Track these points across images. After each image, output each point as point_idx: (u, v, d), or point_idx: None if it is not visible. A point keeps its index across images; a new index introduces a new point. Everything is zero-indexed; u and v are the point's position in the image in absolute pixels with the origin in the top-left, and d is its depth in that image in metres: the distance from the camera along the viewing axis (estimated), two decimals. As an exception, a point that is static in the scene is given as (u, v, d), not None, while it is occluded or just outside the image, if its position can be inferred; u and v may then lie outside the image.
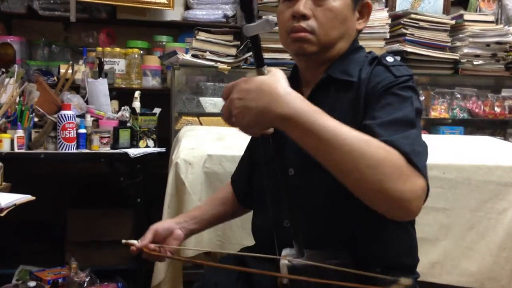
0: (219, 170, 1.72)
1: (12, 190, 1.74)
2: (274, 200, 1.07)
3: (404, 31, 2.73)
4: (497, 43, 2.85)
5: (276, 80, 0.85)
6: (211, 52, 2.58)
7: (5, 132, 2.10)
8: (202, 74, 2.85)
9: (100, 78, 2.42)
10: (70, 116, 2.13)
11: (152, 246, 1.18)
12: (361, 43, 1.18)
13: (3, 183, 1.77)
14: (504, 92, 3.07)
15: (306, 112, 0.84)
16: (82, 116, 2.24)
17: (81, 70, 2.56)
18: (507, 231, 1.75)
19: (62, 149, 2.13)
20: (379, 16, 2.69)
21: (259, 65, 0.86)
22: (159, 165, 2.29)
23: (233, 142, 1.74)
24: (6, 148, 2.06)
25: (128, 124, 2.31)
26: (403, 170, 0.86)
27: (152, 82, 2.89)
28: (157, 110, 2.39)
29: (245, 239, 1.49)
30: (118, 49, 2.88)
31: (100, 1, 2.88)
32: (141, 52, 2.94)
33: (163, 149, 2.30)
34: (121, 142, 2.24)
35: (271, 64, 2.52)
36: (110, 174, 2.30)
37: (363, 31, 1.19)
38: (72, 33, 3.11)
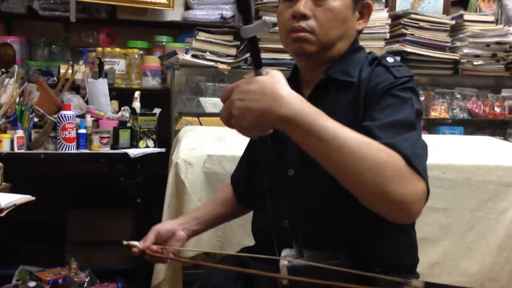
0: (219, 170, 1.72)
1: (12, 190, 1.74)
2: (274, 201, 1.07)
3: (404, 31, 2.73)
4: (497, 43, 2.85)
5: (277, 81, 0.85)
6: (211, 52, 2.58)
7: (5, 132, 2.09)
8: (202, 74, 2.85)
9: (100, 78, 2.42)
10: (70, 116, 2.12)
11: (155, 247, 1.17)
12: (361, 43, 1.18)
13: (3, 183, 1.77)
14: (504, 92, 3.08)
15: (308, 114, 0.84)
16: (82, 116, 2.24)
17: (81, 70, 2.56)
18: (507, 231, 1.75)
19: (62, 149, 2.13)
20: (379, 16, 2.69)
21: (257, 66, 0.86)
22: (159, 165, 2.29)
23: (233, 142, 1.74)
24: (6, 148, 2.06)
25: (128, 124, 2.30)
26: (403, 173, 0.86)
27: (152, 82, 2.89)
28: (157, 110, 2.39)
29: (245, 240, 1.49)
30: (118, 49, 2.87)
31: (100, 1, 2.88)
32: (141, 52, 2.94)
33: (163, 149, 2.30)
34: (121, 142, 2.24)
35: (271, 64, 2.52)
36: (110, 174, 2.30)
37: (363, 31, 1.19)
38: (72, 33, 3.11)
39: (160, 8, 3.01)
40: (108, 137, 2.22)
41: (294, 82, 1.17)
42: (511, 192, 1.76)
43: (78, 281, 2.17)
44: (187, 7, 3.12)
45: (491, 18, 2.96)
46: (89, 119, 2.23)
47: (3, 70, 2.36)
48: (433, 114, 2.97)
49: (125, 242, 1.16)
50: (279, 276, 0.94)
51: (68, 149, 2.13)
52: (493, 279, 1.75)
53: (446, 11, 3.08)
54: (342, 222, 1.05)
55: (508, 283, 1.75)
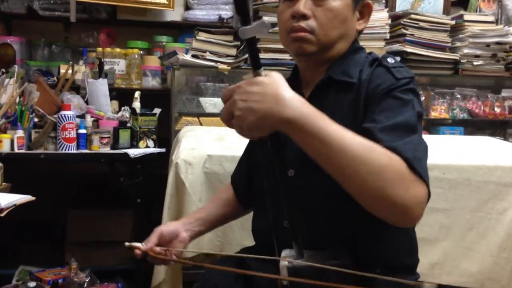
0: (219, 171, 1.72)
1: (12, 190, 1.74)
2: (274, 201, 1.07)
3: (404, 31, 2.73)
4: (497, 43, 2.85)
5: (279, 83, 0.85)
6: (211, 53, 2.58)
7: (5, 132, 2.10)
8: (202, 74, 2.85)
9: (100, 79, 2.42)
10: (70, 117, 2.12)
11: (158, 249, 1.16)
12: (361, 43, 1.18)
13: (3, 183, 1.77)
14: (504, 93, 3.08)
15: (310, 116, 0.84)
16: (82, 116, 2.24)
17: (81, 71, 2.56)
18: (507, 231, 1.75)
19: (62, 150, 2.13)
20: (379, 17, 2.69)
21: (256, 67, 0.86)
22: (159, 165, 2.29)
23: (233, 143, 1.74)
24: (6, 148, 2.06)
25: (128, 125, 2.30)
26: (405, 177, 0.86)
27: (152, 82, 2.89)
28: (157, 111, 2.39)
29: (245, 240, 1.49)
30: (118, 50, 2.88)
31: (100, 1, 2.89)
32: (141, 52, 2.95)
33: (163, 150, 2.30)
34: (121, 143, 2.24)
35: (271, 64, 2.52)
36: (110, 174, 2.30)
37: (363, 32, 1.19)
38: (72, 33, 3.11)
39: (160, 8, 3.01)
40: (108, 137, 2.22)
41: (294, 82, 1.16)
42: (511, 192, 1.76)
43: (78, 281, 2.17)
44: (187, 7, 3.12)
45: (491, 18, 2.95)
46: (89, 119, 2.23)
47: (3, 70, 2.36)
48: (433, 114, 2.97)
49: (127, 244, 1.14)
50: (279, 278, 0.94)
51: (68, 149, 2.13)
52: (493, 279, 1.75)
53: (446, 11, 3.08)
54: (342, 222, 1.05)
55: (509, 283, 1.75)
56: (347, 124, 0.88)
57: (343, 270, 0.88)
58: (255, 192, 1.25)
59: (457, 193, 1.75)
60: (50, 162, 2.42)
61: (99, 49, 2.83)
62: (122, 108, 2.38)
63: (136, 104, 2.39)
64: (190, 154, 1.74)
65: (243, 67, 2.62)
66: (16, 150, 2.07)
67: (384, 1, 2.99)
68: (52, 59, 2.97)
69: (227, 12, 3.05)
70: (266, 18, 2.49)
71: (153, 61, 2.93)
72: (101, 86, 2.40)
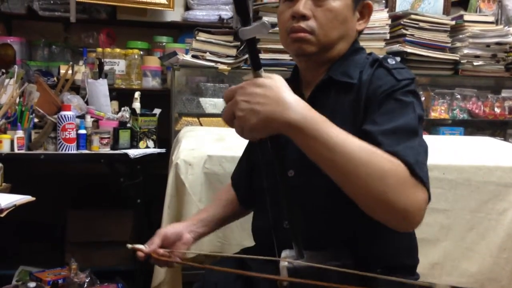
0: (219, 171, 1.72)
1: (12, 190, 1.74)
2: (274, 201, 1.07)
3: (404, 31, 2.73)
4: (497, 43, 2.85)
5: (281, 86, 0.86)
6: (211, 53, 2.58)
7: (5, 132, 2.10)
8: (202, 74, 2.84)
9: (100, 79, 2.42)
10: (70, 117, 2.13)
11: (161, 251, 1.14)
12: (361, 43, 1.18)
13: (3, 183, 1.77)
14: (504, 93, 3.07)
15: (313, 120, 0.85)
16: (82, 116, 2.24)
17: (81, 71, 2.57)
18: (507, 231, 1.75)
19: (62, 150, 2.13)
20: (379, 17, 2.69)
21: (256, 67, 0.86)
22: (159, 165, 2.29)
23: (233, 143, 1.74)
24: (6, 148, 2.06)
25: (128, 125, 2.30)
26: (406, 182, 0.87)
27: (152, 82, 2.89)
28: (157, 111, 2.39)
29: (245, 240, 1.49)
30: (118, 50, 2.88)
31: (100, 2, 2.89)
32: (141, 52, 2.95)
33: (163, 150, 2.30)
34: (121, 143, 2.24)
35: (271, 64, 2.52)
36: (110, 174, 2.30)
37: (363, 32, 1.19)
38: (72, 33, 3.11)
39: (160, 8, 3.01)
40: (108, 138, 2.22)
41: (294, 82, 1.16)
42: (511, 192, 1.76)
43: (78, 281, 2.17)
44: (187, 8, 3.13)
45: (491, 19, 2.95)
46: (89, 120, 2.23)
47: (3, 70, 2.36)
48: (433, 115, 2.97)
49: (129, 246, 1.13)
50: (279, 279, 0.94)
51: (68, 150, 2.13)
52: (493, 279, 1.75)
53: (446, 12, 3.08)
54: (342, 222, 1.05)
55: (509, 284, 1.75)
56: (347, 124, 0.88)
57: (343, 270, 0.88)
58: (255, 192, 1.25)
59: (457, 193, 1.75)
60: (50, 163, 2.42)
61: (99, 49, 2.83)
62: (122, 108, 2.38)
63: (136, 105, 2.39)
64: (190, 154, 1.74)
65: (243, 67, 2.61)
66: (16, 151, 2.07)
67: (384, 1, 2.99)
68: (52, 60, 2.97)
69: (227, 12, 3.05)
70: (266, 19, 2.49)
71: (153, 62, 2.93)
72: (101, 87, 2.40)
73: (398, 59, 2.60)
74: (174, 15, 3.10)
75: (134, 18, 3.05)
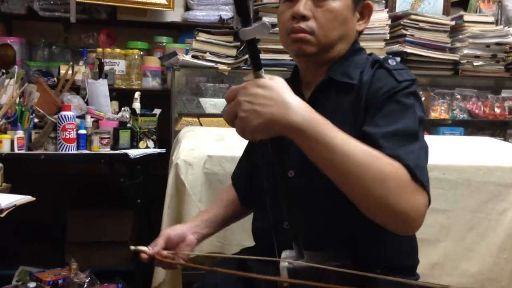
0: (219, 171, 1.72)
1: (12, 191, 1.74)
2: (274, 202, 1.07)
3: (404, 32, 2.73)
4: (497, 44, 2.85)
5: (284, 88, 0.86)
6: (211, 53, 2.58)
7: (5, 133, 2.10)
8: (202, 75, 2.85)
9: (100, 79, 2.42)
10: (70, 117, 2.13)
11: (165, 253, 1.14)
12: (361, 44, 1.18)
13: (3, 183, 1.77)
14: (504, 93, 3.08)
15: (316, 123, 0.85)
16: (82, 117, 2.24)
17: (81, 71, 2.57)
18: (507, 232, 1.75)
19: (62, 150, 2.13)
20: (379, 17, 2.69)
21: (257, 68, 0.86)
22: (159, 166, 2.29)
23: (233, 143, 1.74)
24: (6, 149, 2.06)
25: (128, 125, 2.30)
26: (407, 187, 0.87)
27: (152, 83, 2.89)
28: (157, 111, 2.39)
29: (245, 240, 1.49)
30: (118, 50, 2.88)
31: (100, 2, 2.89)
32: (141, 53, 2.95)
33: (163, 150, 2.31)
34: (121, 143, 2.24)
35: (271, 65, 2.52)
36: (110, 175, 2.30)
37: (363, 32, 1.19)
38: (72, 34, 3.12)
39: (160, 9, 3.01)
40: (108, 138, 2.22)
41: (294, 83, 1.16)
42: (511, 193, 1.76)
43: (78, 281, 2.17)
44: (187, 8, 3.13)
45: (491, 19, 2.95)
46: (89, 120, 2.24)
47: (3, 70, 2.36)
48: (433, 115, 2.97)
49: (132, 248, 1.11)
50: (279, 279, 0.94)
51: (68, 150, 2.13)
52: (493, 279, 1.75)
53: (446, 12, 3.08)
54: (342, 223, 1.05)
55: (509, 284, 1.75)
56: (347, 125, 0.88)
57: (344, 270, 0.88)
58: (255, 193, 1.25)
59: (457, 193, 1.75)
60: (50, 163, 2.42)
61: (99, 49, 2.83)
62: (122, 108, 2.38)
63: (136, 105, 2.40)
64: (190, 154, 1.74)
65: (243, 67, 2.62)
66: (16, 151, 2.07)
67: (384, 1, 2.99)
68: (52, 60, 2.97)
69: (227, 12, 3.05)
70: (266, 19, 2.49)
71: (153, 62, 2.93)
72: (101, 87, 2.40)
73: (398, 59, 2.60)
74: (174, 15, 3.10)
75: (134, 19, 3.05)
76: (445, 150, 1.90)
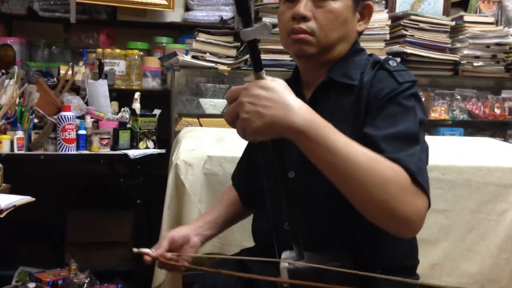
0: (219, 172, 1.72)
1: (12, 191, 1.74)
2: (274, 202, 1.07)
3: (404, 32, 2.73)
4: (497, 44, 2.86)
5: (286, 90, 0.86)
6: (211, 54, 2.58)
7: (5, 133, 2.10)
8: (202, 75, 2.85)
9: (100, 79, 2.42)
10: (70, 117, 2.13)
11: (169, 255, 1.12)
12: (361, 44, 1.18)
13: (3, 184, 1.77)
14: (504, 94, 3.08)
15: (316, 124, 0.85)
16: (82, 117, 2.24)
17: (81, 71, 2.57)
18: (507, 232, 1.75)
19: (62, 150, 2.13)
20: (379, 18, 2.69)
21: (257, 69, 0.86)
22: (159, 166, 2.29)
23: (233, 144, 1.74)
24: (6, 149, 2.06)
25: (128, 126, 2.31)
26: (408, 191, 0.87)
27: (152, 83, 2.89)
28: (157, 111, 2.39)
29: (245, 241, 1.49)
30: (118, 50, 2.88)
31: (100, 2, 2.89)
32: (141, 53, 2.95)
33: (163, 150, 2.31)
34: (121, 143, 2.24)
35: (271, 65, 2.52)
36: (110, 175, 2.30)
37: (363, 33, 1.19)
38: (72, 34, 3.11)
39: (160, 9, 3.01)
40: (108, 138, 2.22)
41: (295, 83, 1.16)
42: (511, 193, 1.76)
43: (77, 282, 2.17)
44: (187, 8, 3.12)
45: (491, 19, 2.96)
46: (89, 120, 2.24)
47: (3, 71, 2.36)
48: (433, 115, 2.97)
49: (135, 250, 1.09)
50: (279, 280, 0.94)
51: (68, 150, 2.13)
52: (493, 280, 1.75)
53: (446, 12, 3.08)
54: (342, 223, 1.05)
55: (508, 284, 1.75)
56: (347, 126, 0.88)
57: (344, 270, 0.88)
58: (255, 193, 1.24)
59: (457, 194, 1.75)
60: (50, 163, 2.42)
61: (99, 50, 2.84)
62: (122, 109, 2.38)
63: (136, 105, 2.40)
64: (190, 155, 1.74)
65: (243, 68, 2.62)
66: (16, 151, 2.08)
67: (384, 2, 2.99)
68: (52, 60, 2.97)
69: (227, 13, 3.05)
70: (266, 19, 2.49)
71: (153, 62, 2.93)
72: (101, 87, 2.40)
73: (398, 59, 2.60)
74: (174, 15, 3.10)
75: (134, 19, 3.05)
76: (445, 151, 1.90)
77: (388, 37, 2.70)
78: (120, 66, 2.86)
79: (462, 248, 1.76)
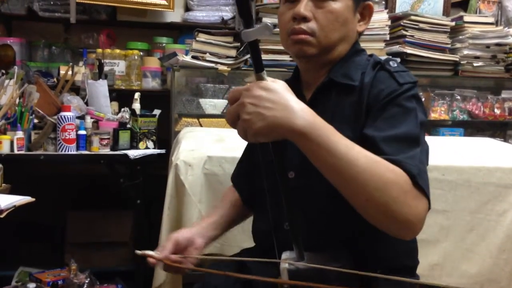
0: (219, 172, 1.72)
1: (12, 191, 1.74)
2: (274, 202, 1.07)
3: (404, 32, 2.73)
4: (497, 44, 2.86)
5: (288, 92, 0.86)
6: (211, 54, 2.58)
7: (5, 133, 2.10)
8: (202, 75, 2.85)
9: (100, 80, 2.42)
10: (70, 118, 2.13)
11: (174, 257, 1.11)
12: (360, 44, 1.18)
13: (3, 184, 1.77)
14: (504, 94, 3.08)
15: (317, 126, 0.85)
16: (82, 117, 2.24)
17: (81, 72, 2.57)
18: (507, 233, 1.75)
19: (61, 151, 2.13)
20: (379, 18, 2.69)
21: (258, 70, 0.86)
22: (159, 166, 2.29)
23: (233, 144, 1.74)
24: (6, 149, 2.06)
25: (128, 126, 2.31)
26: (409, 193, 0.88)
27: (152, 83, 2.89)
28: (157, 112, 2.39)
29: (245, 242, 1.49)
30: (118, 51, 2.88)
31: (100, 3, 2.89)
32: (141, 53, 2.95)
33: (163, 151, 2.31)
34: (121, 144, 2.24)
35: (271, 65, 2.52)
36: (110, 175, 2.30)
37: (363, 33, 1.19)
38: (72, 34, 3.11)
39: (160, 9, 3.01)
40: (108, 139, 2.22)
41: (295, 83, 1.16)
42: (511, 194, 1.76)
43: (77, 282, 2.17)
44: (187, 9, 3.12)
45: (491, 20, 2.96)
46: (89, 121, 2.24)
47: (3, 71, 2.36)
48: (433, 116, 2.97)
49: (139, 252, 1.07)
50: (279, 281, 0.94)
51: (68, 151, 2.13)
52: (493, 280, 1.75)
53: (446, 13, 3.08)
54: (342, 224, 1.05)
55: (508, 285, 1.75)
56: (347, 126, 0.88)
57: (344, 270, 0.88)
58: (256, 193, 1.24)
59: (457, 194, 1.75)
60: (49, 163, 2.42)
61: (99, 50, 2.83)
62: (122, 109, 2.38)
63: (136, 105, 2.40)
64: (190, 155, 1.74)
65: (243, 68, 2.62)
66: (15, 151, 2.07)
67: (384, 2, 2.99)
68: (52, 60, 2.97)
69: (227, 13, 3.05)
70: (265, 19, 2.50)
71: (153, 62, 2.93)
72: (101, 87, 2.41)
73: (398, 60, 2.60)
74: (174, 16, 3.10)
75: (134, 19, 3.05)
76: (445, 151, 1.90)
77: (388, 37, 2.70)
78: (120, 66, 2.86)
79: (462, 249, 1.76)
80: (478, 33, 2.82)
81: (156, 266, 1.10)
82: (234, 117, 0.86)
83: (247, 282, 1.14)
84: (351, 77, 1.08)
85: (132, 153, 2.19)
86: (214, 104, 2.71)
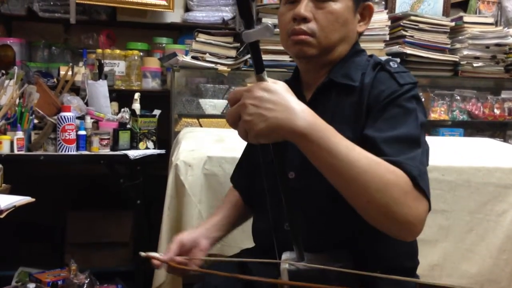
0: (219, 172, 1.72)
1: (12, 191, 1.74)
2: (274, 203, 1.07)
3: (404, 33, 2.74)
4: (497, 45, 2.86)
5: (289, 93, 0.86)
6: (211, 54, 2.58)
7: (5, 134, 2.10)
8: (202, 76, 2.85)
9: (100, 80, 2.42)
10: (70, 118, 2.13)
11: (179, 259, 1.11)
12: (360, 45, 1.18)
13: (3, 184, 1.77)
14: (504, 94, 3.08)
15: (318, 127, 0.85)
16: (82, 117, 2.24)
17: (81, 72, 2.57)
18: (506, 233, 1.75)
19: (61, 151, 2.13)
20: (379, 18, 2.69)
21: (259, 71, 0.86)
22: (159, 167, 2.29)
23: (233, 144, 1.74)
24: (6, 150, 2.06)
25: (128, 126, 2.31)
26: (409, 195, 0.88)
27: (152, 83, 2.89)
28: (157, 112, 2.39)
29: (245, 242, 1.49)
30: (118, 51, 2.88)
31: (100, 3, 2.89)
32: (141, 53, 2.95)
33: (163, 151, 2.31)
34: (121, 144, 2.24)
35: (271, 66, 2.52)
36: (109, 175, 2.30)
37: (363, 33, 1.19)
38: (72, 35, 3.11)
39: (160, 9, 3.01)
40: (108, 139, 2.22)
41: (295, 84, 1.16)
42: (511, 194, 1.76)
43: (77, 282, 2.17)
44: (187, 9, 3.13)
45: (491, 20, 2.96)
46: (89, 121, 2.24)
47: (3, 71, 2.36)
48: (433, 116, 2.97)
49: (143, 254, 1.07)
50: (279, 282, 0.94)
51: (68, 151, 2.13)
52: (493, 280, 1.75)
53: (445, 13, 3.08)
54: (343, 224, 1.05)
55: (508, 285, 1.75)
56: (347, 127, 0.88)
57: (344, 270, 0.88)
58: (256, 194, 1.24)
59: (457, 194, 1.75)
60: (49, 164, 2.42)
61: (99, 50, 2.84)
62: (122, 109, 2.38)
63: (136, 106, 2.40)
64: (190, 155, 1.74)
65: (242, 68, 2.62)
66: (15, 152, 2.07)
67: (383, 2, 2.99)
68: (52, 61, 2.97)
69: (227, 14, 3.05)
70: (265, 20, 2.50)
71: (153, 63, 2.93)
72: (101, 88, 2.41)
73: (398, 60, 2.60)
74: (174, 16, 3.10)
75: (134, 19, 3.05)
76: (444, 151, 1.90)
77: (387, 37, 2.70)
78: (120, 67, 2.86)
79: (462, 249, 1.76)
80: (477, 33, 2.82)
81: (161, 268, 1.10)
82: (235, 118, 0.86)
83: (248, 282, 1.14)
84: (351, 78, 1.08)
85: (132, 154, 2.19)
86: (214, 105, 2.71)
